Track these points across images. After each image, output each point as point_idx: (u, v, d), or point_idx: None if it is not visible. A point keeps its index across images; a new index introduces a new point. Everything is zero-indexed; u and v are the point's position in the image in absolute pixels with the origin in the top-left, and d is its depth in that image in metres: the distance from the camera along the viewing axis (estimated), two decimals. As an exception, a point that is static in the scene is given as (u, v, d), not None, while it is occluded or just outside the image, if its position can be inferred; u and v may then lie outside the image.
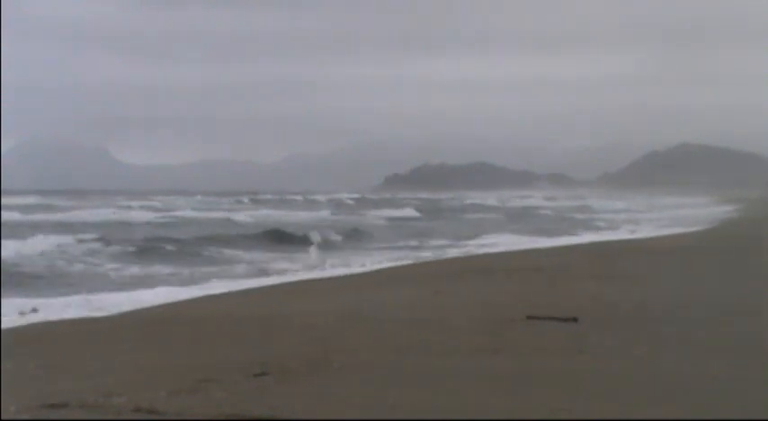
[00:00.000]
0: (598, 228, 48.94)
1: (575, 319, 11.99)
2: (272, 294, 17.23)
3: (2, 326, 12.87)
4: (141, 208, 74.64)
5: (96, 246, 31.19)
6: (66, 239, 32.01)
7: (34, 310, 15.28)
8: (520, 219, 62.47)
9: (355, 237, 41.88)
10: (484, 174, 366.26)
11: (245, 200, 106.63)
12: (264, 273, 24.30)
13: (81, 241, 31.86)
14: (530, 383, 8.27)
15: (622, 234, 41.78)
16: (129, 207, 76.21)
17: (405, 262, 26.11)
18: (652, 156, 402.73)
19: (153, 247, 31.64)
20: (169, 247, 31.74)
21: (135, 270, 25.24)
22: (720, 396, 7.83)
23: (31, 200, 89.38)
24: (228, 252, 31.54)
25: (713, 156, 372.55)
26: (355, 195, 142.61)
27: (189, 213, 65.99)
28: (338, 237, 40.22)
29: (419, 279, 19.52)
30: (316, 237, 38.68)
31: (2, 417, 7.13)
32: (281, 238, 38.32)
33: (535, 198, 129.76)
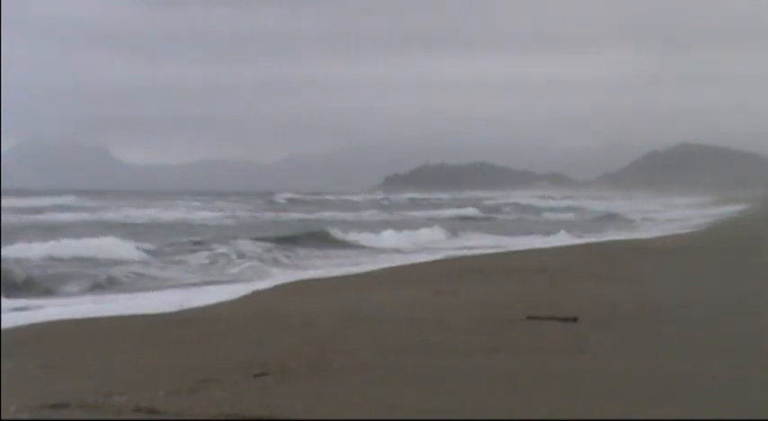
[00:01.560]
0: (659, 225, 49.38)
1: (575, 319, 11.99)
2: (271, 294, 17.23)
3: (2, 326, 12.86)
4: (195, 208, 72.68)
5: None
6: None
7: None
8: (585, 221, 59.44)
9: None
10: (484, 174, 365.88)
11: (282, 200, 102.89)
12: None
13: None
14: (530, 383, 8.27)
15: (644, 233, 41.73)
16: (190, 207, 74.47)
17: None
18: (652, 156, 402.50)
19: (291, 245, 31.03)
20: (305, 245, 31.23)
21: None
22: (720, 396, 7.82)
23: (69, 200, 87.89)
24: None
25: (713, 156, 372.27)
26: (379, 196, 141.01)
27: (251, 213, 64.38)
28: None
29: (419, 279, 19.52)
30: None
31: (2, 417, 7.13)
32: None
33: (556, 198, 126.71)
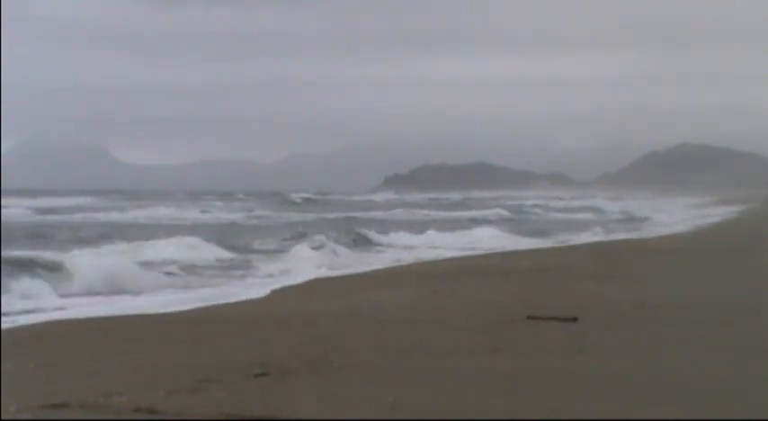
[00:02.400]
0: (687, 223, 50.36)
1: (575, 319, 11.99)
2: (271, 294, 17.24)
3: (2, 326, 12.87)
4: (218, 208, 72.76)
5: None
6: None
7: None
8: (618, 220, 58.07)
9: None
10: (484, 174, 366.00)
11: (298, 200, 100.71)
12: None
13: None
14: (530, 383, 8.28)
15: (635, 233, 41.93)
16: (214, 207, 74.35)
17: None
18: (652, 156, 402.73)
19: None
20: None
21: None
22: (720, 396, 7.83)
23: (88, 201, 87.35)
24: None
25: (713, 156, 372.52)
26: (392, 196, 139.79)
27: (277, 213, 63.87)
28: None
29: (418, 279, 19.52)
30: None
31: (2, 417, 7.14)
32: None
33: (565, 199, 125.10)
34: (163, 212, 61.71)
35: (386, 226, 43.50)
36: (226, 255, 26.59)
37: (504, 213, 67.10)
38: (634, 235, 38.79)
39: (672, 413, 7.20)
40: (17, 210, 59.77)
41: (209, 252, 26.57)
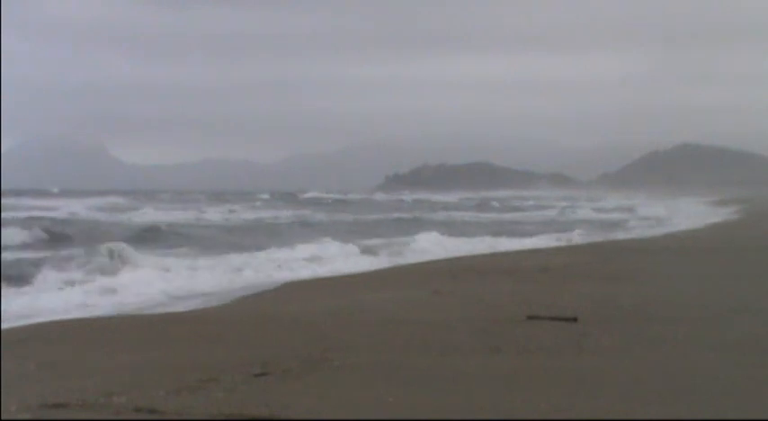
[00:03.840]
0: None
1: (575, 319, 12.00)
2: (272, 294, 17.24)
3: (2, 325, 12.87)
4: (258, 207, 73.21)
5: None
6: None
7: None
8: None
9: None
10: (484, 174, 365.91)
11: (329, 201, 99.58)
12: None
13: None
14: (530, 383, 8.28)
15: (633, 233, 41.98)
16: (255, 207, 74.36)
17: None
18: (652, 156, 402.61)
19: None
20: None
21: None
22: (720, 396, 7.83)
23: (116, 199, 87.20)
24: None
25: (713, 156, 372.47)
26: (415, 196, 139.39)
27: (315, 215, 62.55)
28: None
29: (418, 279, 19.50)
30: None
31: (2, 417, 7.14)
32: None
33: (581, 200, 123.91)
34: (240, 214, 61.29)
35: (466, 228, 43.41)
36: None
37: (554, 215, 66.70)
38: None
39: (672, 413, 7.20)
40: (77, 209, 59.43)
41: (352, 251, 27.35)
